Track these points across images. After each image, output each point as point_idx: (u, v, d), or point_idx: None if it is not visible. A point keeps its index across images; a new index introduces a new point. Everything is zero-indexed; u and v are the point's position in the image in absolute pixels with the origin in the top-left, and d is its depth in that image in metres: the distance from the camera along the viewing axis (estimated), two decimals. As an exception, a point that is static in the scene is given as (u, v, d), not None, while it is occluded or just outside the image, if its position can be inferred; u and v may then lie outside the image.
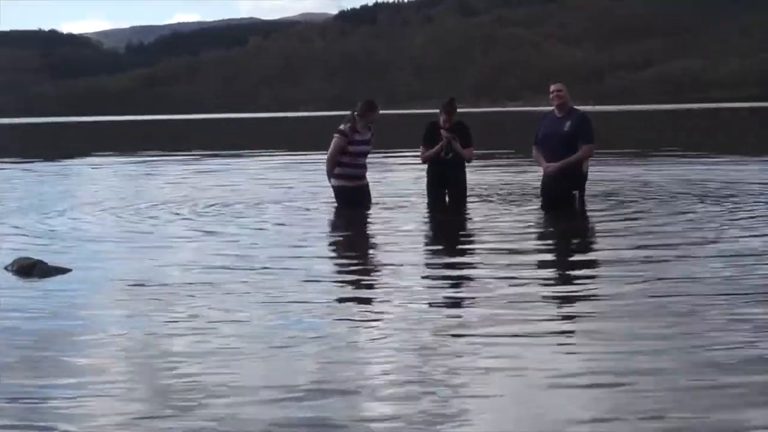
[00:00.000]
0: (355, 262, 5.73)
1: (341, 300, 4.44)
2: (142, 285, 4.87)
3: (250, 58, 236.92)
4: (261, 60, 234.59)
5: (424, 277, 5.03)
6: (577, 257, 5.73)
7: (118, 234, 7.06)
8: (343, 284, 4.92)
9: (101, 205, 9.25)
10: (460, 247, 6.26)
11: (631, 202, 8.68)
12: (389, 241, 6.47)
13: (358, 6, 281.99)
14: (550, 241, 6.64)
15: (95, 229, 7.36)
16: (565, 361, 3.30)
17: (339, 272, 5.34)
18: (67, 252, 6.08)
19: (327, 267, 5.52)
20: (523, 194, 9.52)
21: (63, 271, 5.27)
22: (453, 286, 4.78)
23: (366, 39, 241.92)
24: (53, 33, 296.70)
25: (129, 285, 4.87)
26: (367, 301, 4.43)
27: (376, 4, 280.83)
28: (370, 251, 6.26)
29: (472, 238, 6.75)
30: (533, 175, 10.46)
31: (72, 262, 5.53)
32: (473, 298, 4.41)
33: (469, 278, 4.93)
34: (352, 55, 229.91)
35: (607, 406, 2.82)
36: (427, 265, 5.45)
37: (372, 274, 5.18)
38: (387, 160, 15.24)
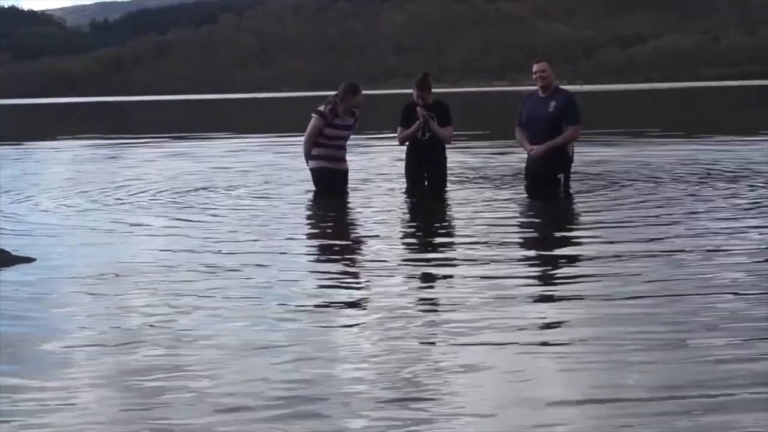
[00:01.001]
0: (331, 257, 5.39)
1: (315, 300, 4.12)
2: (109, 277, 4.67)
3: (222, 37, 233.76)
4: (233, 39, 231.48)
5: (404, 276, 4.66)
6: (564, 250, 5.39)
7: (86, 221, 6.80)
8: (318, 282, 4.59)
9: (68, 191, 8.98)
10: (441, 239, 5.89)
11: (619, 184, 8.49)
12: (367, 232, 6.14)
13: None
14: (535, 232, 6.31)
15: (61, 216, 7.11)
16: (551, 370, 3.06)
17: (313, 270, 4.99)
18: (31, 240, 5.88)
19: (301, 262, 5.16)
20: (507, 177, 9.29)
21: (27, 260, 5.07)
22: (435, 285, 4.44)
23: (344, 16, 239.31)
24: (13, 9, 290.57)
25: (95, 277, 4.66)
26: (345, 301, 4.12)
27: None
28: (347, 244, 5.86)
29: (453, 229, 6.40)
30: (516, 157, 10.25)
31: (37, 251, 5.33)
32: (456, 298, 4.08)
33: (451, 276, 4.60)
34: (330, 34, 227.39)
35: (594, 420, 2.60)
36: (408, 261, 5.05)
37: (349, 271, 4.85)
38: (365, 142, 14.98)
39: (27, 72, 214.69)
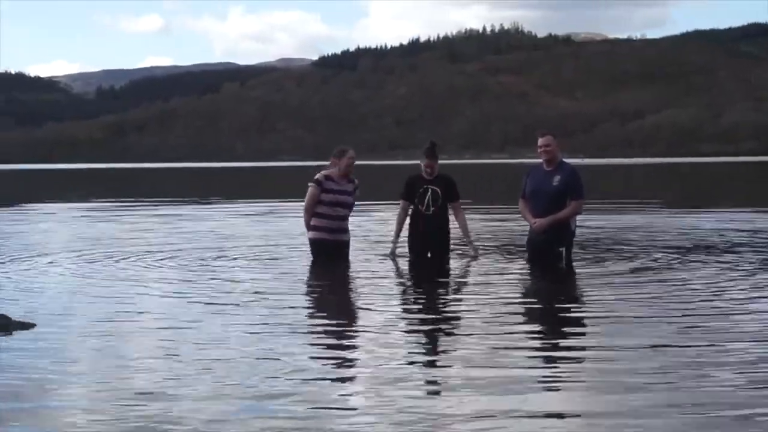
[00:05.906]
0: (326, 328, 5.23)
1: (307, 384, 3.87)
2: (111, 344, 4.64)
3: (225, 106, 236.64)
4: (237, 108, 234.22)
5: (404, 350, 4.52)
6: (565, 325, 5.27)
7: (87, 286, 6.77)
8: (308, 354, 4.44)
9: (69, 255, 8.96)
10: (441, 311, 5.78)
11: (622, 255, 8.49)
12: (366, 306, 5.94)
13: (338, 52, 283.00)
14: (536, 307, 6.10)
15: (63, 280, 7.10)
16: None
17: (306, 344, 4.72)
18: (32, 305, 5.83)
19: (294, 340, 4.79)
20: (509, 248, 9.28)
21: (27, 326, 5.03)
22: (432, 363, 4.29)
23: (347, 87, 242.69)
24: (20, 76, 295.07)
25: (96, 343, 4.64)
26: (338, 375, 3.97)
27: (357, 50, 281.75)
28: (344, 317, 5.66)
29: (453, 303, 6.24)
30: (517, 226, 10.24)
31: (38, 316, 5.29)
32: (456, 383, 3.87)
33: (452, 358, 4.38)
34: (333, 104, 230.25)
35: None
36: (408, 342, 4.81)
37: (345, 349, 4.65)
38: (367, 211, 15.00)
39: (31, 137, 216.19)
